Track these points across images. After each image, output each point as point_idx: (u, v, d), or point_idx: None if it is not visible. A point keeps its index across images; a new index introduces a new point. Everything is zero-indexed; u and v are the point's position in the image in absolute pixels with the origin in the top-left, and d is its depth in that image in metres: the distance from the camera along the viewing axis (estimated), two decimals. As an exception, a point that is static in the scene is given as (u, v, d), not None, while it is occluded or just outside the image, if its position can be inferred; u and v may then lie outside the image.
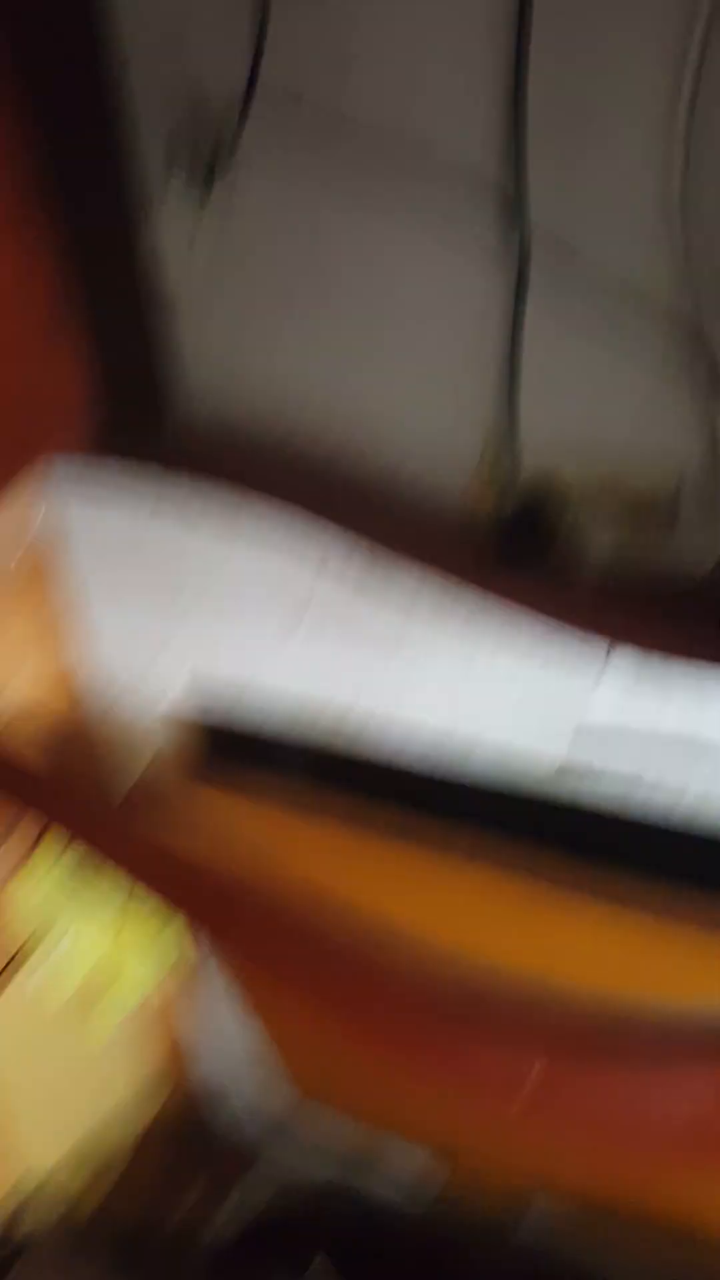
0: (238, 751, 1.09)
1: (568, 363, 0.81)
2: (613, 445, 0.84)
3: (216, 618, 1.04)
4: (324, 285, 0.84)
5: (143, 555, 1.03)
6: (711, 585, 0.86)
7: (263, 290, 0.86)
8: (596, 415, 0.83)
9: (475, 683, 0.94)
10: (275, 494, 0.92)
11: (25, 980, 1.17)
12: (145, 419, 0.92)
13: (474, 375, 0.84)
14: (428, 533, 0.92)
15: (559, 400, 0.83)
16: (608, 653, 0.85)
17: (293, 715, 1.05)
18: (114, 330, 0.85)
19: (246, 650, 1.04)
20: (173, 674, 1.09)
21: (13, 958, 1.15)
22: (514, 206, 0.75)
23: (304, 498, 0.92)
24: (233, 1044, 1.44)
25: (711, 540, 0.84)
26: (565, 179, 0.74)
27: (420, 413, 0.89)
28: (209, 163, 0.75)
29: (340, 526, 0.91)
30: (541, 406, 0.84)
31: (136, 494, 0.97)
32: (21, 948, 1.15)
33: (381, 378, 0.88)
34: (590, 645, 0.85)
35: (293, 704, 1.05)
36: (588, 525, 0.88)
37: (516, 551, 0.90)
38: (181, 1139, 1.45)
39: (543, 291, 0.78)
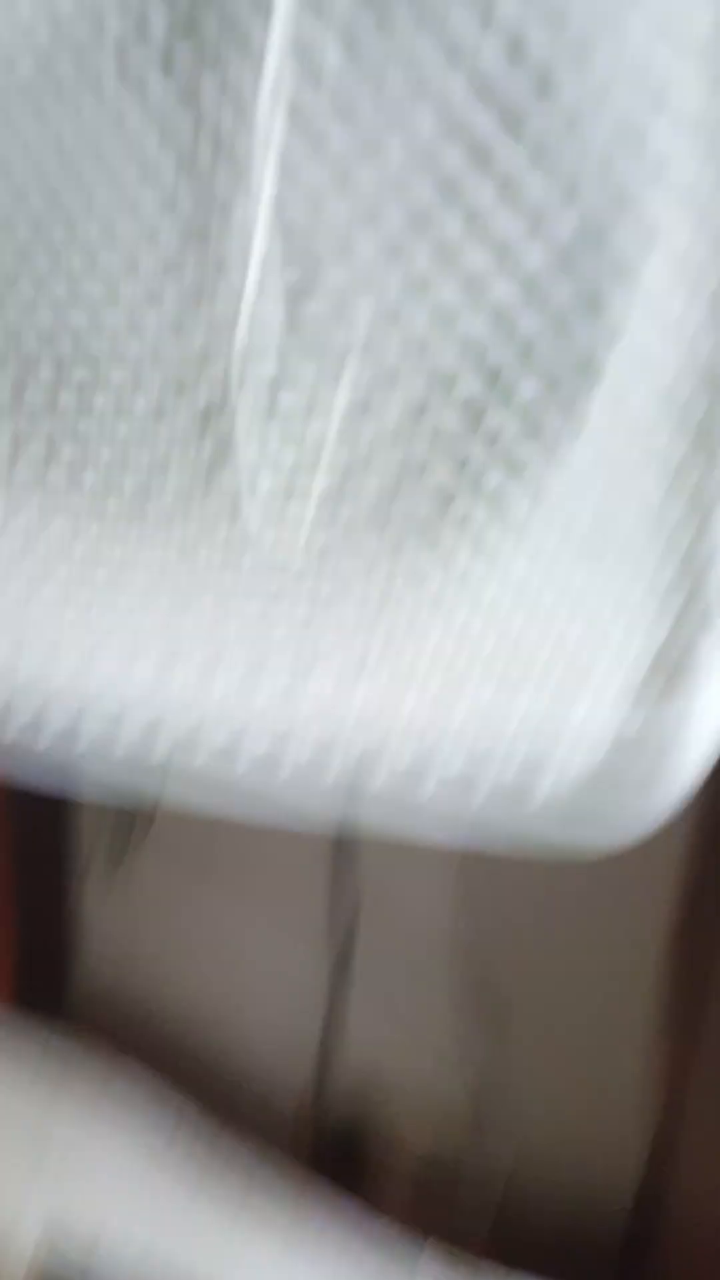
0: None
1: (387, 1003, 1.00)
2: (423, 1067, 0.99)
3: (76, 1171, 1.12)
4: (202, 934, 1.08)
5: (12, 1108, 1.14)
6: (510, 1193, 0.96)
7: (158, 927, 1.11)
8: (410, 1041, 1.00)
9: (299, 1267, 1.00)
10: (144, 1065, 1.05)
11: None
12: (48, 996, 1.09)
13: (309, 1004, 1.06)
14: (263, 1121, 1.04)
15: (379, 1029, 1.01)
16: (419, 1253, 0.94)
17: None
18: (39, 938, 1.09)
19: (101, 1209, 1.11)
20: (27, 1232, 1.15)
21: None
22: (346, 896, 0.99)
23: (165, 1074, 1.05)
24: None
25: (508, 1151, 0.96)
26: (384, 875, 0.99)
27: (267, 1026, 1.10)
28: (124, 850, 1.03)
29: (190, 1102, 1.03)
30: (364, 1031, 1.05)
31: (25, 1049, 1.09)
32: None
33: (237, 998, 1.10)
34: (403, 1245, 0.94)
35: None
36: (401, 1134, 1.00)
37: (338, 1149, 1.02)
38: None
39: (366, 948, 1.02)
